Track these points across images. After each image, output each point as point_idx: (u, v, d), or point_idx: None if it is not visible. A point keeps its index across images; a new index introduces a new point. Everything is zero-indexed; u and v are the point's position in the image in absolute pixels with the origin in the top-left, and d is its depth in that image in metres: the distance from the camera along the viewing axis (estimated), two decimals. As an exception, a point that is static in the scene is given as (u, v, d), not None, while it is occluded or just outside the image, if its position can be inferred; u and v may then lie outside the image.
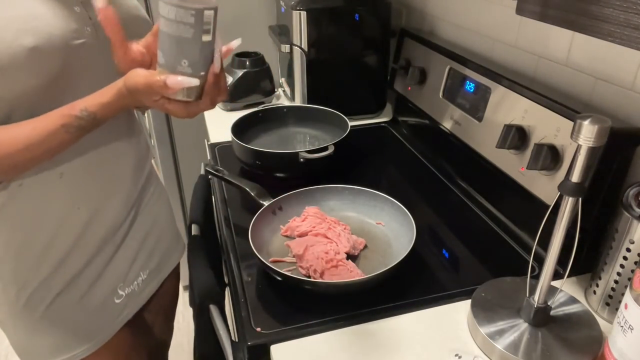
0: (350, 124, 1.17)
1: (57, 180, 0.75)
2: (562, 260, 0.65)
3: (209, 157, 1.28)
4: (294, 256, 0.83)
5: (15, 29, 0.63)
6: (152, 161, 1.00)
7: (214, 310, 0.81)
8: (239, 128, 1.17)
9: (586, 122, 0.55)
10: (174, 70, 0.60)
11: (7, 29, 0.63)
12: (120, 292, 0.89)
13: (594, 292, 0.76)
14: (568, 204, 0.61)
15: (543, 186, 0.83)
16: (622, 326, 0.60)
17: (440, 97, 1.15)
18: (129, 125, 0.86)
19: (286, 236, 0.90)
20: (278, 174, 1.10)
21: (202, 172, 1.18)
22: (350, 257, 0.84)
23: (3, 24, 0.63)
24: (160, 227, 0.99)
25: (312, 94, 1.38)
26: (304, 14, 1.27)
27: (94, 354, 0.86)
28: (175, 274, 1.08)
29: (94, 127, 0.69)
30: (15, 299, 0.78)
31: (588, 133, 0.55)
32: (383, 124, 1.43)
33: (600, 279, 0.74)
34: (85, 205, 0.79)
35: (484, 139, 0.99)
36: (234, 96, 1.48)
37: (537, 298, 0.68)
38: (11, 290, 0.78)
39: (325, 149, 1.05)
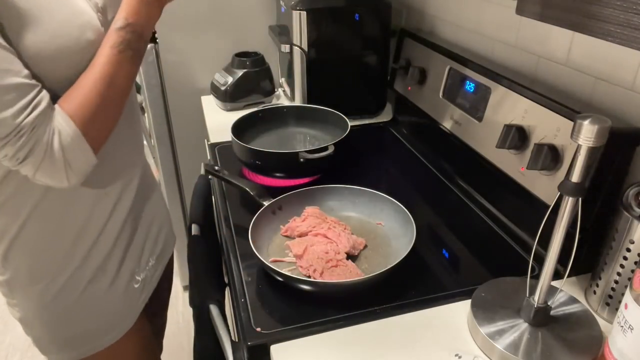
0: (350, 124, 1.17)
1: None
2: (562, 260, 0.65)
3: (209, 157, 1.28)
4: (294, 256, 0.83)
5: (77, 26, 0.67)
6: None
7: (214, 310, 0.81)
8: (239, 128, 1.17)
9: (586, 122, 0.55)
10: None
11: (72, 25, 0.67)
12: (137, 278, 0.91)
13: (594, 292, 0.76)
14: (568, 204, 0.61)
15: (543, 186, 0.83)
16: (622, 326, 0.60)
17: (440, 97, 1.15)
18: (133, 112, 0.89)
19: (286, 236, 0.90)
20: (278, 174, 1.10)
21: (202, 172, 1.18)
22: (350, 257, 0.84)
23: (68, 22, 0.66)
24: (162, 214, 1.02)
25: (312, 94, 1.38)
26: (304, 14, 1.27)
27: (121, 340, 0.88)
28: (170, 260, 1.10)
29: (139, 42, 0.72)
30: (44, 292, 0.79)
31: (588, 133, 0.55)
32: (383, 124, 1.43)
33: (600, 279, 0.74)
34: (113, 191, 0.82)
35: (484, 139, 0.99)
36: (234, 96, 1.48)
37: (537, 298, 0.68)
38: (40, 284, 0.78)
39: (325, 149, 1.05)
